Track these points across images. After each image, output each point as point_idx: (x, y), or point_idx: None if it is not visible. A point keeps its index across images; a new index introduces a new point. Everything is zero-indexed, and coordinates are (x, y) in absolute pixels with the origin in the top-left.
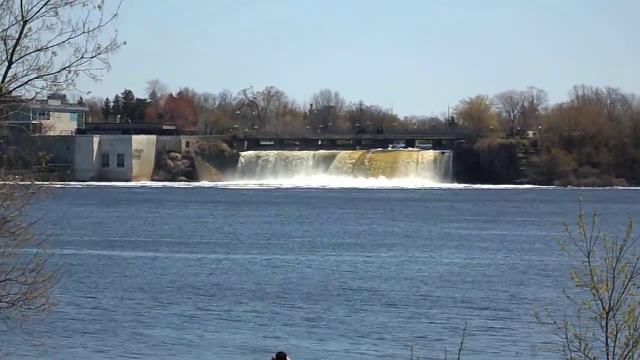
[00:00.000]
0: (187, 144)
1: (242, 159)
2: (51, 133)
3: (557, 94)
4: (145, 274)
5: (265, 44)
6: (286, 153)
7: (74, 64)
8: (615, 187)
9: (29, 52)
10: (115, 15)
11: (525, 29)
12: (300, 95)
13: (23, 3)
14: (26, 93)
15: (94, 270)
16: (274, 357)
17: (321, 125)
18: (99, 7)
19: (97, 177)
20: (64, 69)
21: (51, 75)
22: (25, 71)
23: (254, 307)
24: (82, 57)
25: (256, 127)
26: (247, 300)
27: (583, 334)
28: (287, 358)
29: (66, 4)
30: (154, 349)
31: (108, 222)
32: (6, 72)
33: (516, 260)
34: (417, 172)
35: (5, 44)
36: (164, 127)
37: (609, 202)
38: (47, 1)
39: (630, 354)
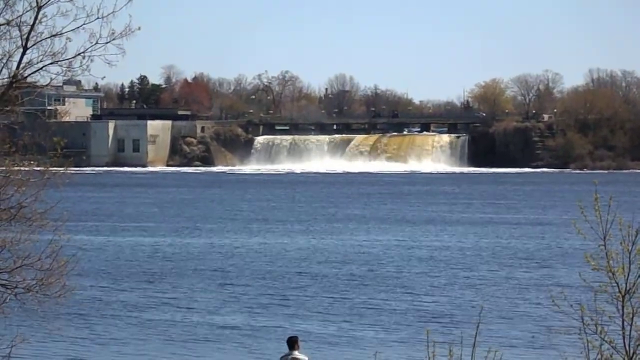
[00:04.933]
0: (202, 129)
1: (257, 144)
2: (66, 119)
3: (572, 77)
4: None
5: (279, 28)
6: (301, 138)
7: (89, 50)
8: (632, 170)
9: (43, 38)
10: (129, 0)
11: (541, 12)
12: (315, 79)
13: None
14: (41, 79)
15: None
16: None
17: (336, 110)
18: None
19: (113, 163)
20: (78, 54)
21: (66, 61)
22: (40, 57)
23: (242, 290)
24: (97, 43)
25: (271, 111)
26: (237, 284)
27: (599, 318)
28: (298, 343)
29: None
30: (164, 334)
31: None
32: (21, 58)
33: (531, 243)
34: (433, 157)
35: (20, 30)
36: (179, 112)
37: (625, 185)
38: None
39: None
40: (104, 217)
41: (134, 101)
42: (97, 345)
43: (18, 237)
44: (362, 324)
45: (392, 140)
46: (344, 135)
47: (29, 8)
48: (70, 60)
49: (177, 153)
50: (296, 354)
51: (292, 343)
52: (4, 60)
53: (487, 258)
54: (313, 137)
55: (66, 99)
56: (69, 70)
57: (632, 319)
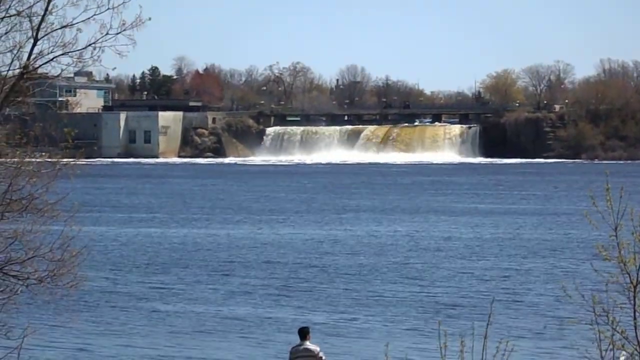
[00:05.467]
0: (214, 120)
1: (268, 135)
2: (78, 110)
3: (583, 68)
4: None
5: (291, 19)
6: (312, 129)
7: (99, 41)
8: None
9: (54, 28)
10: None
11: (552, 3)
12: (327, 70)
13: None
14: (52, 70)
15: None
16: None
17: (347, 101)
18: None
19: (124, 154)
20: (89, 45)
21: (77, 52)
22: (51, 48)
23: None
24: (108, 34)
25: (282, 103)
26: (252, 274)
27: (611, 308)
28: (309, 334)
29: None
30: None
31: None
32: (32, 49)
33: (542, 234)
34: (444, 147)
35: (30, 21)
36: (191, 103)
37: (636, 176)
38: None
39: None
40: (114, 208)
41: (145, 92)
42: (107, 335)
43: (29, 228)
44: (372, 314)
45: (404, 131)
46: (355, 126)
47: None
48: (81, 51)
49: (188, 144)
50: (308, 344)
51: (304, 334)
52: (15, 52)
53: (497, 248)
54: (324, 128)
55: (77, 90)
56: (80, 61)
57: None
